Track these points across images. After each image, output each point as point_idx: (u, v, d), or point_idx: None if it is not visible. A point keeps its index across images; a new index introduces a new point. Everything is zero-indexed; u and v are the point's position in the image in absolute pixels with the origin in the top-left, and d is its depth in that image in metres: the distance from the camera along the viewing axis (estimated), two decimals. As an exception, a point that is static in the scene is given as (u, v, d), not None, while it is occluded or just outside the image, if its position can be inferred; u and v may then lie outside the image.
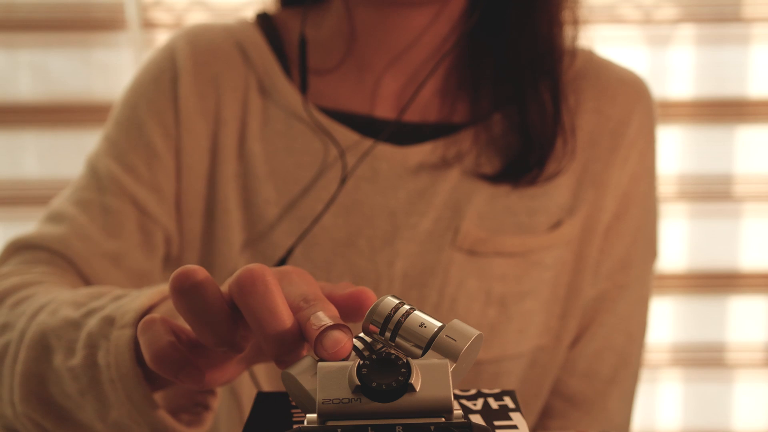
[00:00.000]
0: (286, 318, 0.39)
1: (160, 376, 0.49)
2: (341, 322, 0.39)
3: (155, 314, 0.45)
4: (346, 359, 0.38)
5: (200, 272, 0.41)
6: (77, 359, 0.52)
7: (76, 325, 0.53)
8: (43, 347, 0.54)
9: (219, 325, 0.41)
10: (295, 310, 0.40)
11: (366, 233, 0.69)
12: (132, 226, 0.70)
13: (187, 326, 0.44)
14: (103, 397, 0.51)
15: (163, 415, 0.50)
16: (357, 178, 0.70)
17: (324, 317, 0.39)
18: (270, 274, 0.40)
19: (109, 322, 0.51)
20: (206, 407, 0.54)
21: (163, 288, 0.53)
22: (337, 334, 0.38)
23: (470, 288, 0.69)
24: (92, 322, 0.52)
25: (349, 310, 0.45)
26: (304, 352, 0.41)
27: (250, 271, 0.40)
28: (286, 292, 0.41)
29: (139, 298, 0.52)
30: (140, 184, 0.70)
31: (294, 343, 0.40)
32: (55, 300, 0.56)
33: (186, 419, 0.53)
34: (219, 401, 0.57)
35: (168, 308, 0.51)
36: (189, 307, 0.41)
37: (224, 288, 0.43)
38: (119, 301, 0.53)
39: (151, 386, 0.50)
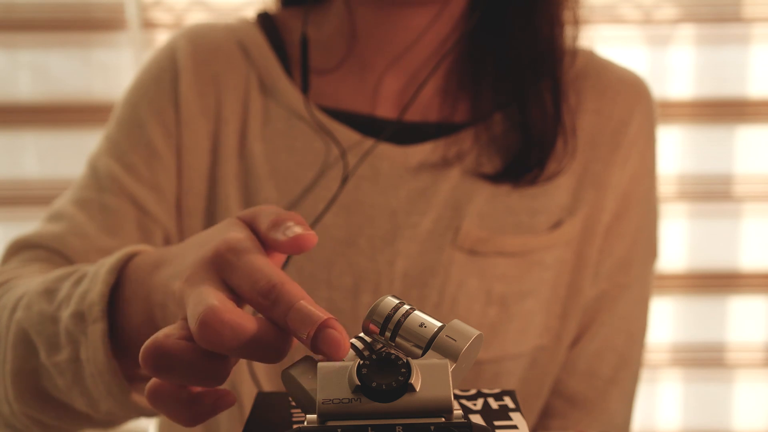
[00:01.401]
0: (264, 336, 0.38)
1: (139, 368, 0.50)
2: (322, 311, 0.38)
3: (157, 381, 0.41)
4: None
5: (157, 341, 0.39)
6: (63, 355, 0.52)
7: (51, 319, 0.53)
8: (27, 344, 0.55)
9: (207, 373, 0.39)
10: (260, 309, 0.39)
11: (367, 233, 0.69)
12: (131, 224, 0.70)
13: None
14: (87, 390, 0.52)
15: (143, 401, 0.51)
16: (358, 177, 0.70)
17: (303, 313, 0.38)
18: (224, 312, 0.38)
19: (80, 317, 0.51)
20: None
21: (115, 261, 0.52)
22: (331, 334, 0.37)
23: (471, 288, 0.69)
24: (65, 316, 0.52)
25: (292, 252, 0.43)
26: (294, 342, 0.40)
27: (204, 323, 0.37)
28: (236, 285, 0.40)
29: (97, 286, 0.51)
30: (140, 184, 0.70)
31: (281, 346, 0.39)
32: (28, 292, 0.56)
33: None
34: None
35: (131, 282, 0.51)
36: (172, 376, 0.39)
37: (177, 324, 0.41)
38: (79, 287, 0.53)
39: (129, 377, 0.51)
